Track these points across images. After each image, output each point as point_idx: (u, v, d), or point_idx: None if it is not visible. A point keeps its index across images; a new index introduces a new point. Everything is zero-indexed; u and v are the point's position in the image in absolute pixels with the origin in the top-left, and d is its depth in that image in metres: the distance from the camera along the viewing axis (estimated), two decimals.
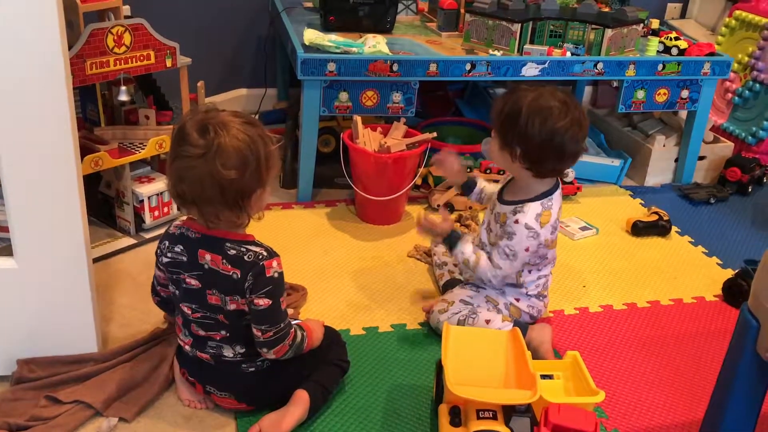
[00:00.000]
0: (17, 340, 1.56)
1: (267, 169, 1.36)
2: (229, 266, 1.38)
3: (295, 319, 1.56)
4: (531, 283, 1.80)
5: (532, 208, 1.70)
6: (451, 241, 1.76)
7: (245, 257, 1.38)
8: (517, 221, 1.69)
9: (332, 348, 1.60)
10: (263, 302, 1.38)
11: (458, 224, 2.31)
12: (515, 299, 1.80)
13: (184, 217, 1.45)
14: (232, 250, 1.38)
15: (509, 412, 1.34)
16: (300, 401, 1.48)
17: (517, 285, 1.79)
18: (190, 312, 1.45)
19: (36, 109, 1.38)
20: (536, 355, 1.70)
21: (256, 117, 3.01)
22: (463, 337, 1.54)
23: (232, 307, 1.40)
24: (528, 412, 1.34)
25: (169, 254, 1.43)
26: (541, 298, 1.83)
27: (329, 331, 1.62)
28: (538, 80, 2.34)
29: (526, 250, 1.70)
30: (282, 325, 1.41)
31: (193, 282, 1.41)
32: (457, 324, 1.73)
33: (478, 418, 1.33)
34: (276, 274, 1.39)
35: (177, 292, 1.46)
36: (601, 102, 3.37)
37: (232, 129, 1.31)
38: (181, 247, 1.42)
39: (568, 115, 1.63)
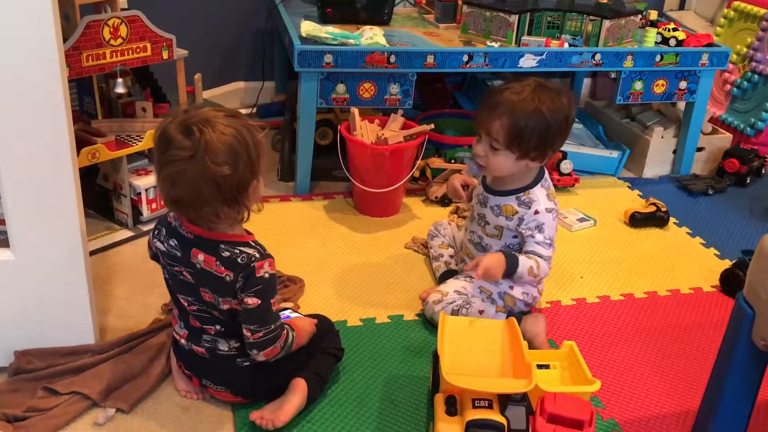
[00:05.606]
0: (14, 332, 1.56)
1: (258, 158, 1.34)
2: (223, 268, 1.37)
3: (285, 311, 1.56)
4: None
5: (539, 192, 1.74)
6: (510, 265, 1.71)
7: (239, 259, 1.36)
8: (537, 212, 1.73)
9: (326, 336, 1.61)
10: (252, 301, 1.37)
11: (455, 216, 2.32)
12: (509, 287, 1.80)
13: None
14: (226, 252, 1.37)
15: (505, 401, 1.34)
16: (298, 390, 1.49)
17: None
18: (186, 304, 1.45)
19: (31, 101, 1.37)
20: (531, 347, 1.70)
21: (254, 110, 3.02)
22: (459, 327, 1.54)
23: (225, 307, 1.40)
24: (524, 401, 1.34)
25: (165, 244, 1.43)
26: (534, 284, 1.84)
27: (322, 320, 1.63)
28: (536, 72, 2.34)
29: (555, 229, 1.77)
30: (273, 326, 1.40)
31: (189, 277, 1.41)
32: (451, 314, 1.74)
33: (474, 407, 1.33)
34: (267, 275, 1.38)
35: (172, 282, 1.46)
36: (600, 94, 3.37)
37: (216, 125, 1.29)
38: (175, 242, 1.41)
39: (569, 99, 1.70)
